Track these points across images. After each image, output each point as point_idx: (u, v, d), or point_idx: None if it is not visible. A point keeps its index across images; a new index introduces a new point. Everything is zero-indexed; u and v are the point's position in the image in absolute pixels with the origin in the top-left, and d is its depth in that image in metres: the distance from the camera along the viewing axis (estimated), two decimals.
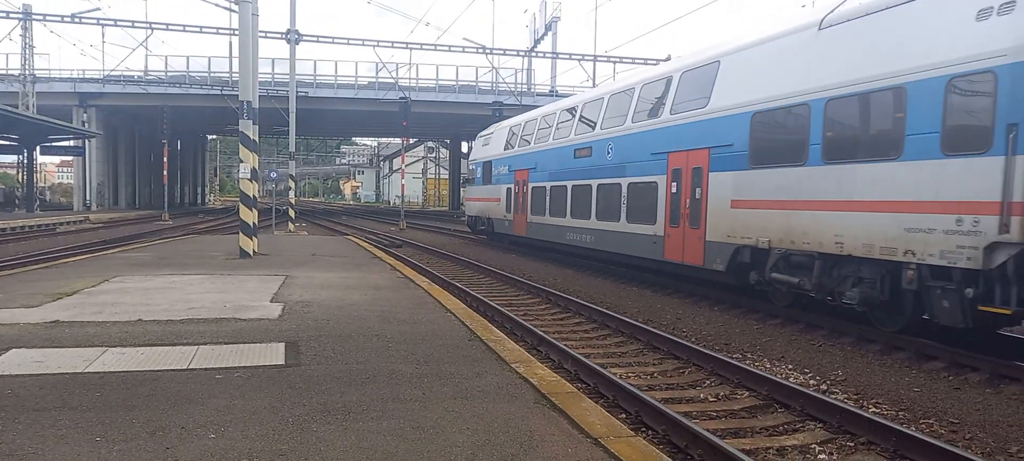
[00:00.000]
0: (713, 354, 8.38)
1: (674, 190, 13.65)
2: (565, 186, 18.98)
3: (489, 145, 26.61)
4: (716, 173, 12.40)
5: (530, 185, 21.58)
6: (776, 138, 11.18)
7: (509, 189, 23.62)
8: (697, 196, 12.88)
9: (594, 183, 17.17)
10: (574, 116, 19.05)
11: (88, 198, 45.41)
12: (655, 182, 14.35)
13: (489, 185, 25.97)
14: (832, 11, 10.42)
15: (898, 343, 9.24)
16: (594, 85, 44.17)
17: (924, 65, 8.62)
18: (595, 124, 17.44)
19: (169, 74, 45.05)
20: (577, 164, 18.28)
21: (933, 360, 8.61)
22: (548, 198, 20.22)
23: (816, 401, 6.60)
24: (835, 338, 9.94)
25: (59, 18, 38.73)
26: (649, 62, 45.81)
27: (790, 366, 8.54)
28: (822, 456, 5.69)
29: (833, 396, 7.14)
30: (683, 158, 13.33)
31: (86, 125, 42.97)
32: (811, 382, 7.83)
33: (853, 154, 9.63)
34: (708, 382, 7.79)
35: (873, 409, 6.86)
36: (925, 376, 8.12)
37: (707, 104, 12.69)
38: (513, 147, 23.59)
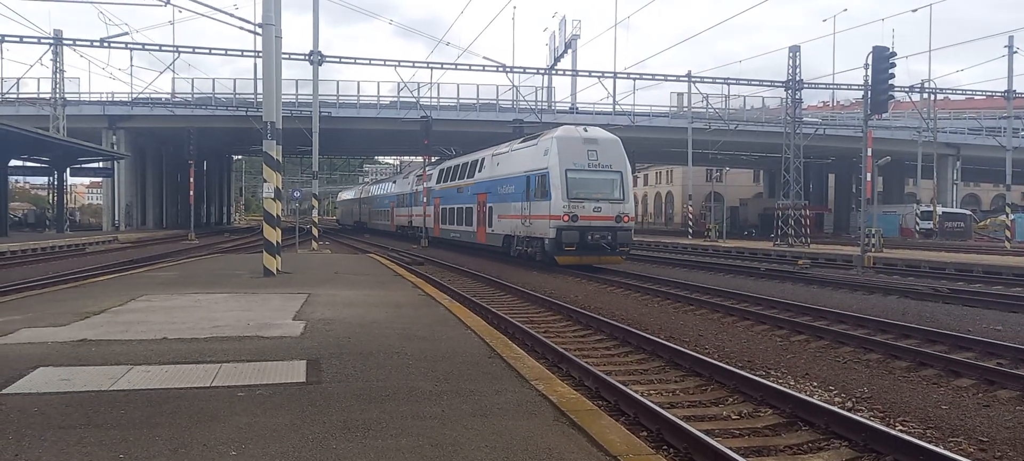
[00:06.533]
0: (736, 371, 8.27)
1: None
2: None
3: None
4: None
5: None
6: None
7: None
8: None
9: None
10: None
11: (117, 218, 46.23)
12: None
13: None
14: None
15: (925, 360, 9.07)
16: (615, 102, 44.03)
17: None
18: None
19: (195, 96, 45.83)
20: None
21: (961, 376, 8.44)
22: None
23: (841, 418, 6.48)
24: (861, 354, 9.79)
25: (89, 43, 39.43)
26: (669, 79, 45.73)
27: (814, 383, 8.42)
28: None
29: (859, 413, 7.03)
30: None
31: (115, 147, 43.85)
32: (836, 399, 7.71)
33: None
34: (731, 399, 7.70)
35: (900, 427, 6.74)
36: (954, 393, 7.96)
37: None
38: None
